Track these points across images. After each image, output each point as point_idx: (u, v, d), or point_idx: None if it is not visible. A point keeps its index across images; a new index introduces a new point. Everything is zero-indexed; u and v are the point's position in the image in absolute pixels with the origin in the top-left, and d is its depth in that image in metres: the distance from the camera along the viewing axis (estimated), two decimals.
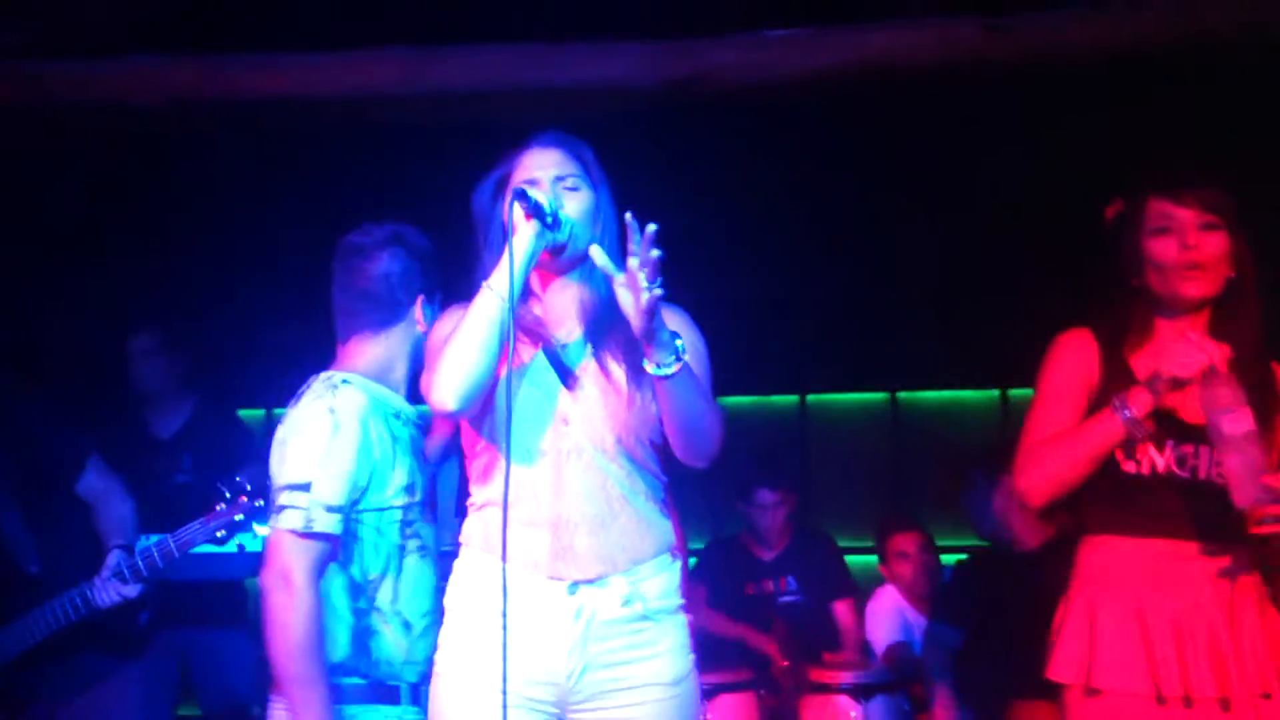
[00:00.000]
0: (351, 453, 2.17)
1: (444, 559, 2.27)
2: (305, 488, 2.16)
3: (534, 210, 1.98)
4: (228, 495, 2.70)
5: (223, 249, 4.38)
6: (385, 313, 2.35)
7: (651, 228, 1.88)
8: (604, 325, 2.08)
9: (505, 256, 1.98)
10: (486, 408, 2.03)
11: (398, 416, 2.31)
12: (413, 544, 2.27)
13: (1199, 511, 2.15)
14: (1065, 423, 2.23)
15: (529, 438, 2.03)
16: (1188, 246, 2.20)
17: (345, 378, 2.26)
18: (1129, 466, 2.19)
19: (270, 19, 3.22)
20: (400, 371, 2.36)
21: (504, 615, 1.95)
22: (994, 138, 3.99)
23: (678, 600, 2.11)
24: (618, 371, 2.06)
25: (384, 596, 2.24)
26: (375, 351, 2.35)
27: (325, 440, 2.17)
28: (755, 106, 3.40)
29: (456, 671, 2.04)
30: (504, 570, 1.96)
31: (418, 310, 2.37)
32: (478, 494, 2.10)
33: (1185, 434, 2.19)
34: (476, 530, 2.08)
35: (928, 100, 3.70)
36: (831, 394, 5.66)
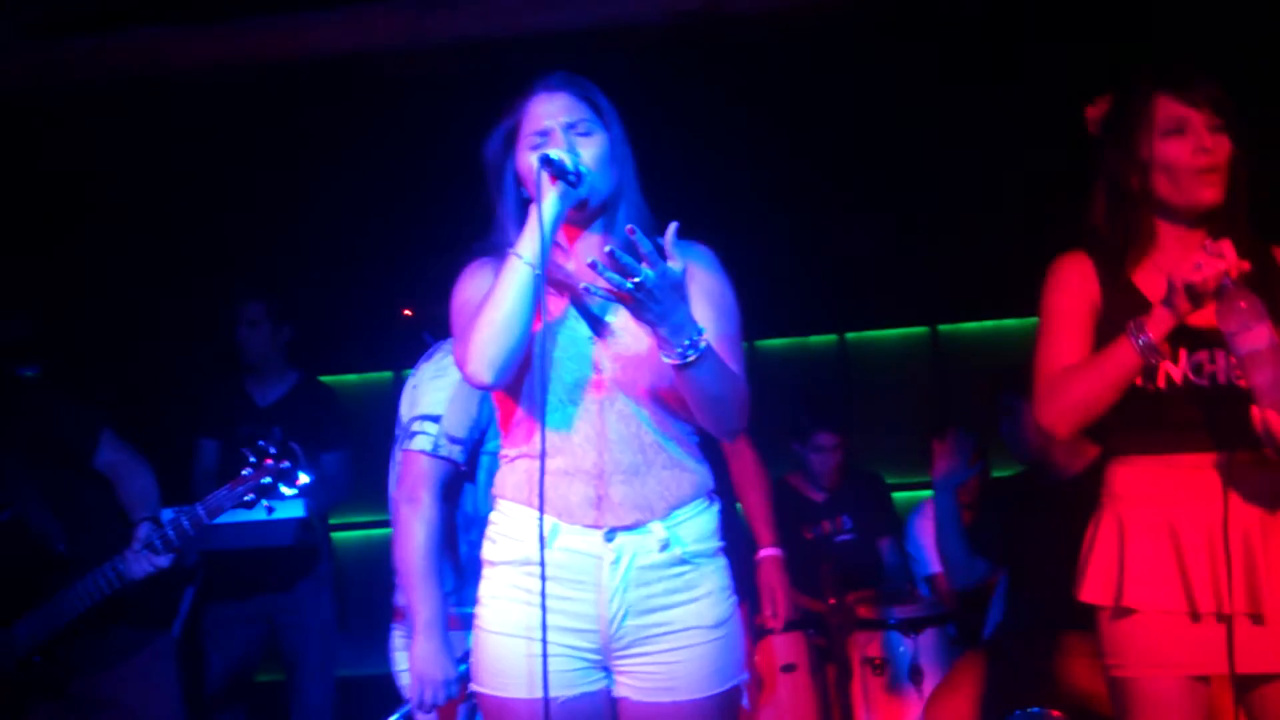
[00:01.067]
0: (475, 398, 2.46)
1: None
2: (436, 419, 2.47)
3: (558, 172, 1.95)
4: (252, 460, 2.72)
5: (309, 214, 4.39)
6: None
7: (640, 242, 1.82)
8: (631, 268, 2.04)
9: (531, 221, 1.95)
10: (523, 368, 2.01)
11: None
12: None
13: (1222, 419, 2.09)
14: (1076, 348, 2.17)
15: (562, 388, 2.02)
16: (1205, 150, 2.12)
17: (446, 343, 2.49)
18: (1145, 383, 2.13)
19: None
20: None
21: (542, 565, 1.95)
22: (1024, 64, 3.88)
23: (716, 543, 2.09)
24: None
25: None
26: None
27: (454, 384, 2.46)
28: (773, 36, 3.33)
29: (497, 623, 2.04)
30: (540, 521, 1.96)
31: None
32: (511, 446, 2.09)
33: (1197, 340, 2.12)
34: (510, 481, 2.07)
35: (952, 27, 3.60)
36: (870, 331, 5.59)
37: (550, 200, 1.95)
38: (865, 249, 4.94)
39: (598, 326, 2.04)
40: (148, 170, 4.21)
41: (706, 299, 2.07)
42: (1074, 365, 2.16)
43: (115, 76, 3.25)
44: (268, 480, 2.73)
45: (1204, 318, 2.09)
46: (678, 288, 1.88)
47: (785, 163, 4.44)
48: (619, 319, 2.04)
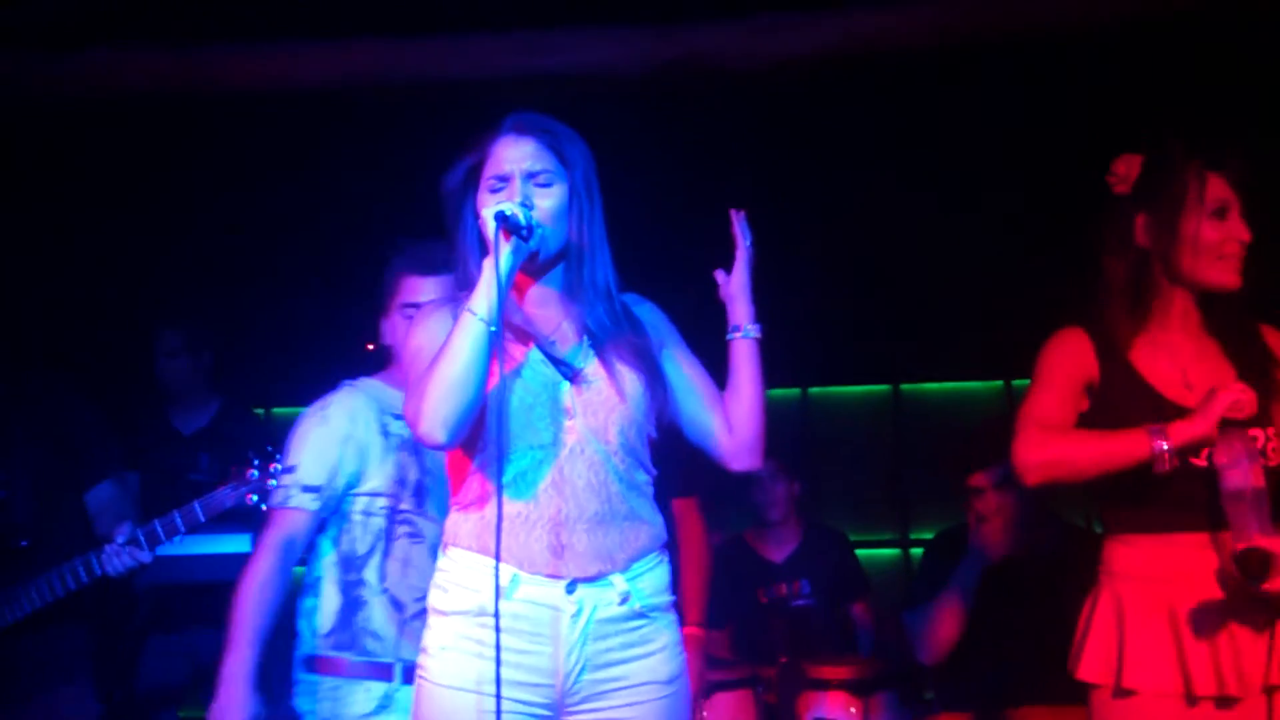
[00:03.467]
0: (333, 443, 2.48)
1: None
2: (291, 470, 2.49)
3: (511, 228, 1.93)
4: (256, 462, 2.71)
5: (232, 242, 4.36)
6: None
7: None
8: (599, 319, 2.04)
9: (485, 277, 1.93)
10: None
11: (399, 418, 2.43)
12: (402, 529, 2.49)
13: (1210, 501, 2.08)
14: (1064, 406, 2.19)
15: (525, 433, 1.98)
16: (1241, 241, 2.15)
17: (355, 383, 2.57)
18: (1140, 468, 2.11)
19: (250, 7, 3.18)
20: None
21: (496, 616, 1.91)
22: (988, 123, 3.93)
23: (670, 597, 2.07)
24: (621, 364, 2.02)
25: (370, 574, 2.48)
26: (396, 359, 2.56)
27: (311, 432, 2.50)
28: (744, 91, 3.36)
29: (446, 677, 1.98)
30: (497, 568, 1.92)
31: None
32: (468, 490, 2.04)
33: None
34: (464, 529, 2.02)
35: (920, 84, 3.64)
36: (833, 386, 5.61)
37: (503, 256, 1.93)
38: (831, 305, 4.96)
39: (569, 372, 2.02)
40: (102, 192, 4.16)
41: (677, 347, 2.16)
42: (1076, 431, 2.18)
43: (74, 95, 3.22)
44: (274, 483, 2.68)
45: (1199, 399, 2.11)
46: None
47: (753, 215, 4.45)
48: (590, 365, 2.02)
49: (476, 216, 2.04)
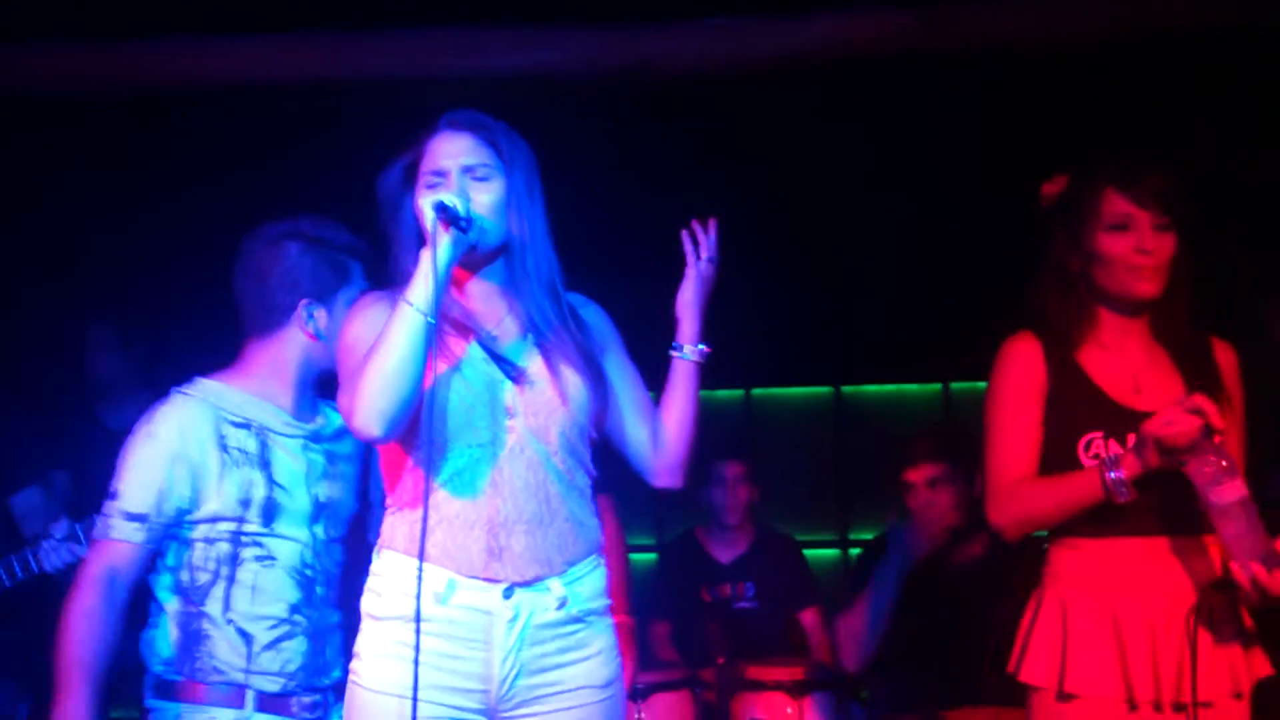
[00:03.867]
0: (159, 464, 2.20)
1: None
2: (114, 496, 2.24)
3: (450, 219, 1.92)
4: None
5: (163, 241, 4.30)
6: (265, 316, 2.30)
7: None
8: (541, 319, 2.03)
9: (423, 267, 1.91)
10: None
11: (245, 426, 2.26)
12: (249, 553, 2.24)
13: (1167, 505, 2.13)
14: (1027, 444, 2.22)
15: (465, 431, 1.96)
16: (1145, 251, 2.18)
17: (188, 388, 2.28)
18: (1088, 463, 2.17)
19: (186, 3, 3.12)
20: (285, 379, 2.30)
21: (417, 618, 1.90)
22: (933, 128, 3.98)
23: (606, 601, 2.08)
24: (563, 364, 2.01)
25: (213, 606, 2.23)
26: (257, 358, 2.31)
27: (137, 451, 2.23)
28: (694, 96, 3.36)
29: (375, 681, 1.97)
30: (420, 569, 1.91)
31: (300, 314, 2.29)
32: (403, 490, 2.01)
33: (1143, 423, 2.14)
34: (400, 532, 2.00)
35: (867, 90, 3.68)
36: (775, 388, 5.64)
37: (442, 247, 1.91)
38: (772, 306, 4.98)
39: (512, 371, 2.00)
40: (41, 188, 4.08)
41: (619, 353, 2.14)
42: (1034, 480, 2.21)
43: (21, 91, 3.14)
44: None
45: (1149, 403, 2.15)
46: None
47: (698, 216, 4.48)
48: (534, 364, 2.01)
49: (414, 213, 2.01)
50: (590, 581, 2.04)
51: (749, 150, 4.23)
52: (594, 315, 2.15)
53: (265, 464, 2.26)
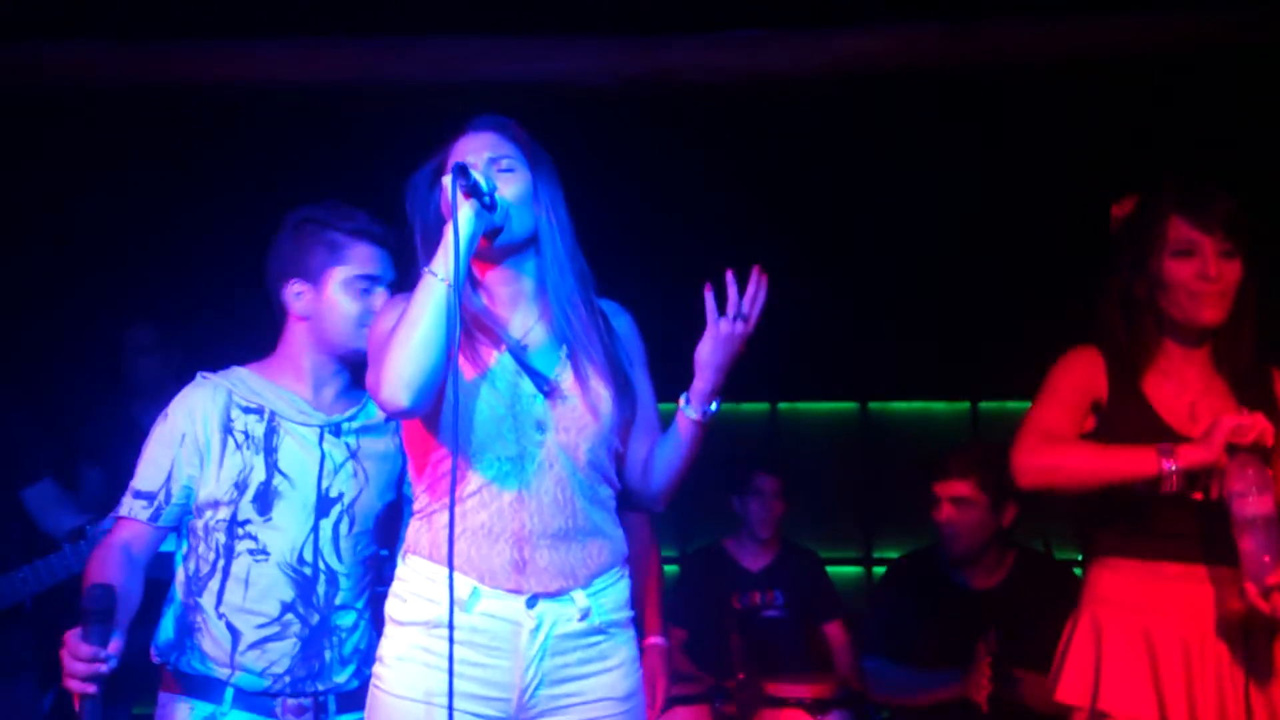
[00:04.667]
0: (168, 444, 2.22)
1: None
2: (133, 475, 2.26)
3: (472, 189, 1.89)
4: None
5: (194, 243, 4.34)
6: (273, 300, 2.30)
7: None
8: (573, 326, 2.01)
9: (446, 238, 1.89)
10: (441, 408, 1.94)
11: (255, 411, 2.23)
12: (243, 545, 2.20)
13: (1210, 533, 2.11)
14: (1069, 424, 2.22)
15: (494, 443, 1.95)
16: (1209, 278, 2.18)
17: (212, 374, 2.29)
18: (1140, 487, 2.14)
19: (220, 5, 3.15)
20: (298, 366, 2.28)
21: (450, 628, 1.88)
22: (959, 144, 3.95)
23: (629, 613, 2.06)
24: (594, 377, 2.00)
25: (208, 598, 2.20)
26: (277, 347, 2.31)
27: (153, 432, 2.26)
28: (714, 106, 3.35)
29: (398, 686, 1.95)
30: (450, 578, 1.89)
31: (289, 295, 2.27)
32: (428, 499, 2.01)
33: None
34: (425, 538, 1.99)
35: (894, 104, 3.65)
36: (802, 402, 5.61)
37: (464, 216, 1.89)
38: (801, 321, 4.95)
39: (544, 384, 1.98)
40: (77, 187, 4.12)
41: (642, 368, 2.11)
42: (1079, 440, 2.20)
43: (43, 88, 3.18)
44: None
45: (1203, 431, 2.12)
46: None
47: (722, 229, 4.47)
48: (566, 377, 1.99)
49: (439, 213, 2.01)
50: (614, 593, 2.02)
51: (774, 162, 4.22)
52: (624, 325, 2.12)
53: (270, 450, 2.22)
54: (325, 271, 2.25)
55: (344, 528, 2.24)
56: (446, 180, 1.92)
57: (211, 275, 4.33)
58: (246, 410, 2.23)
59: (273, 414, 2.24)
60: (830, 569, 4.50)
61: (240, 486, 2.20)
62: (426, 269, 1.90)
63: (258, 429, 2.22)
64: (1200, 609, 2.12)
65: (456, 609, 1.90)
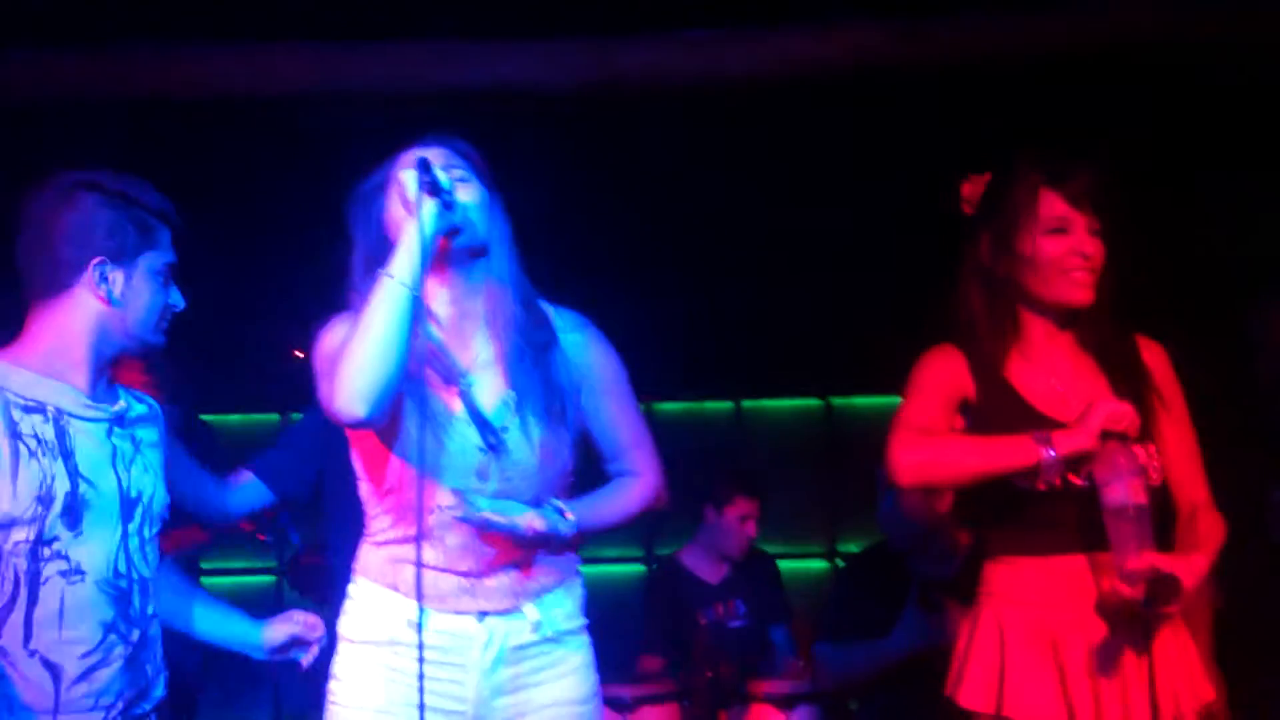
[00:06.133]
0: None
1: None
2: None
3: (433, 186, 1.86)
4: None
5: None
6: (50, 276, 1.94)
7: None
8: (522, 368, 1.98)
9: (405, 238, 1.85)
10: (396, 433, 1.92)
11: (38, 410, 1.89)
12: (52, 567, 1.86)
13: (1092, 522, 2.01)
14: (939, 420, 2.09)
15: (437, 490, 1.94)
16: (1084, 255, 2.07)
17: None
18: (1023, 483, 2.05)
19: (172, 9, 3.10)
20: (78, 353, 1.94)
21: (420, 654, 1.86)
22: (911, 141, 3.98)
23: (582, 620, 2.07)
24: (539, 428, 1.98)
25: (10, 636, 1.85)
26: (43, 328, 1.95)
27: None
28: (674, 108, 3.35)
29: (356, 701, 1.96)
30: (420, 610, 1.89)
31: (90, 274, 1.92)
32: (379, 527, 2.01)
33: None
34: (375, 564, 2.00)
35: (847, 101, 3.67)
36: (765, 400, 5.64)
37: (427, 214, 1.86)
38: (762, 318, 4.98)
39: (491, 438, 1.96)
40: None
41: (601, 388, 2.06)
42: (956, 434, 2.10)
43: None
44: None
45: (1077, 415, 2.06)
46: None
47: (684, 229, 4.48)
48: (512, 432, 1.97)
49: (383, 228, 1.98)
50: (565, 604, 2.03)
51: (731, 161, 4.23)
52: (580, 343, 2.06)
53: (66, 454, 1.90)
54: (137, 256, 1.95)
55: (146, 531, 2.01)
56: (405, 175, 1.88)
57: (202, 285, 4.28)
58: (27, 409, 1.88)
59: (58, 410, 1.91)
60: (796, 564, 4.54)
61: (44, 500, 1.86)
62: (383, 272, 1.86)
63: (46, 430, 1.89)
64: (1096, 600, 2.03)
65: (408, 629, 1.91)
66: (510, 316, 1.99)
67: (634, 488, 2.07)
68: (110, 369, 2.00)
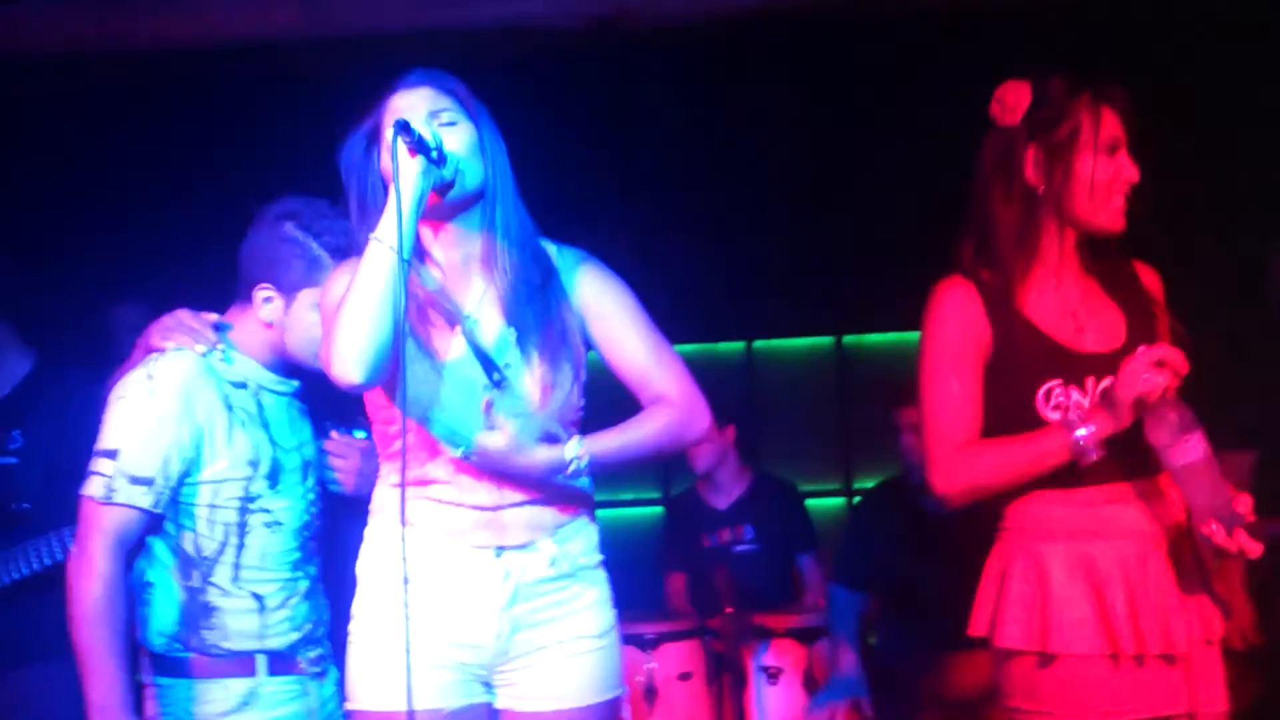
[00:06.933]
0: (167, 422, 2.10)
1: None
2: (112, 455, 2.11)
3: (418, 145, 1.83)
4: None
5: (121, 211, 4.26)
6: (238, 283, 2.25)
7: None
8: (521, 305, 1.97)
9: (391, 201, 1.84)
10: (396, 383, 1.92)
11: (243, 386, 2.21)
12: (257, 519, 2.19)
13: (1129, 448, 1.97)
14: (972, 400, 2.01)
15: (453, 426, 1.95)
16: (1128, 179, 2.01)
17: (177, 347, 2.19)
18: (1051, 415, 2.00)
19: None
20: (259, 341, 2.23)
21: (405, 581, 1.90)
22: (927, 73, 3.93)
23: (599, 556, 2.08)
24: (541, 363, 1.97)
25: (222, 574, 2.17)
26: (245, 320, 2.25)
27: (138, 408, 2.11)
28: (684, 44, 3.30)
29: (372, 640, 1.99)
30: (403, 535, 1.91)
31: (256, 295, 2.21)
32: (391, 471, 2.02)
33: (1103, 367, 2.01)
34: (390, 502, 2.01)
35: (855, 35, 3.62)
36: (777, 340, 5.63)
37: (409, 173, 1.84)
38: (772, 257, 4.96)
39: (492, 372, 1.96)
40: (15, 163, 4.03)
41: (607, 314, 2.03)
42: (984, 443, 2.01)
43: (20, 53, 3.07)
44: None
45: (1095, 344, 2.03)
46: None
47: (693, 168, 4.45)
48: (515, 367, 1.97)
49: (380, 177, 1.96)
50: (581, 539, 2.04)
51: (740, 99, 4.19)
52: (578, 273, 2.05)
53: (265, 424, 2.23)
54: (299, 288, 2.19)
55: (316, 487, 2.31)
56: (387, 136, 1.86)
57: (187, 244, 4.27)
58: (235, 385, 2.21)
59: (258, 386, 2.24)
60: (812, 501, 4.54)
61: (254, 463, 2.18)
62: (372, 236, 1.86)
63: (250, 403, 2.21)
64: (1130, 528, 2.00)
65: (427, 566, 1.95)
66: (508, 257, 1.97)
67: (660, 414, 2.02)
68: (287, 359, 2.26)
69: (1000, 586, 2.04)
